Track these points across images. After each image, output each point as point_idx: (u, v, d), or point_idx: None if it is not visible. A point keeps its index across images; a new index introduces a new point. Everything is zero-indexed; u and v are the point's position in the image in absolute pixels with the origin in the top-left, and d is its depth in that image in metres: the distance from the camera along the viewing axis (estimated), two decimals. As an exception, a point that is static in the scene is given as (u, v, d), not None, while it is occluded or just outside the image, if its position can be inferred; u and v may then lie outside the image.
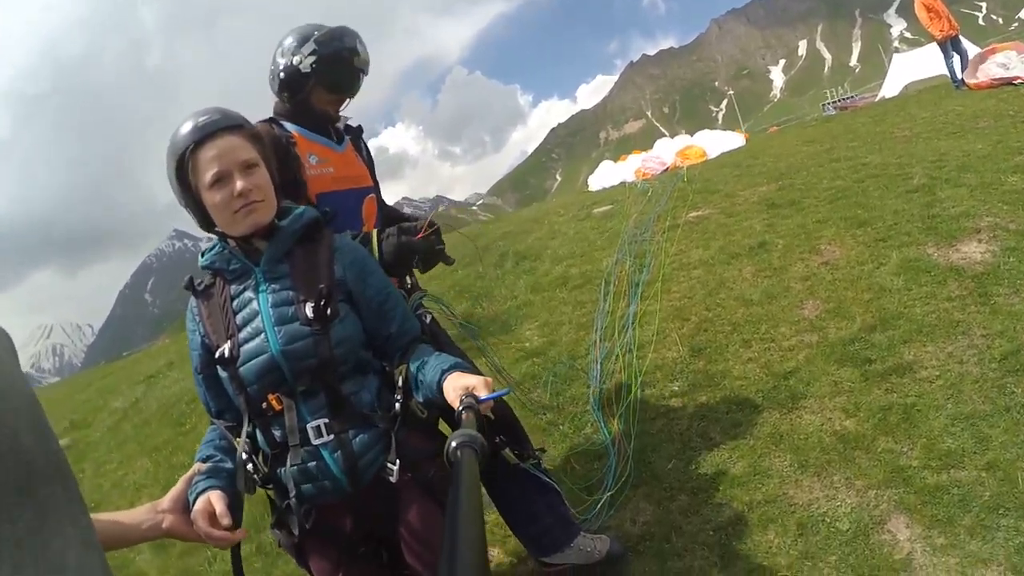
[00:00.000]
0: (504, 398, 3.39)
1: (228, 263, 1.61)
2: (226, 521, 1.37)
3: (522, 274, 6.43)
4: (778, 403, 2.99)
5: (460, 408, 1.26)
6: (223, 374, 1.56)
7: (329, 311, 1.52)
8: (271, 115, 2.32)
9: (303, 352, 1.51)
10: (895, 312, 3.36)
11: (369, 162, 2.50)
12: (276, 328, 1.51)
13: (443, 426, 1.83)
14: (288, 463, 1.54)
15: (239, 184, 1.51)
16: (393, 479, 1.55)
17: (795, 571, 2.21)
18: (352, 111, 2.43)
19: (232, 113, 1.61)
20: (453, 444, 0.99)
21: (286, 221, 1.63)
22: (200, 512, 1.38)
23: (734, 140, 15.68)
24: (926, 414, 2.64)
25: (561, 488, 2.47)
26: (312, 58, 2.21)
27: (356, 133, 2.49)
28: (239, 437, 1.57)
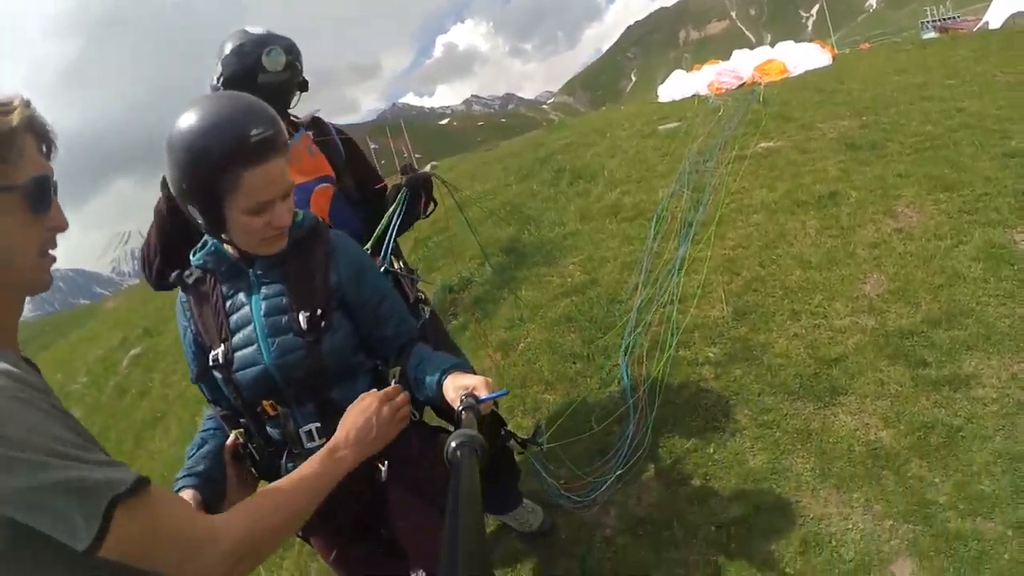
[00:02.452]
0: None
1: (220, 264, 1.46)
2: None
3: (575, 197, 6.06)
4: (815, 394, 2.68)
5: (460, 408, 1.19)
6: (218, 375, 1.47)
7: (323, 323, 1.42)
8: None
9: (295, 363, 1.42)
10: (965, 307, 2.90)
11: (338, 148, 2.30)
12: (269, 339, 1.42)
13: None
14: (284, 460, 1.50)
15: (281, 216, 1.34)
16: (383, 478, 1.49)
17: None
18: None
19: (275, 115, 1.31)
20: (452, 444, 0.95)
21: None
22: None
23: (819, 57, 14.17)
24: (970, 443, 2.29)
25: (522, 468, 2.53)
26: (220, 79, 2.07)
27: (315, 124, 2.28)
28: (234, 428, 1.52)
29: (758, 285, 3.61)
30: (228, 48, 2.07)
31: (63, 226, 0.95)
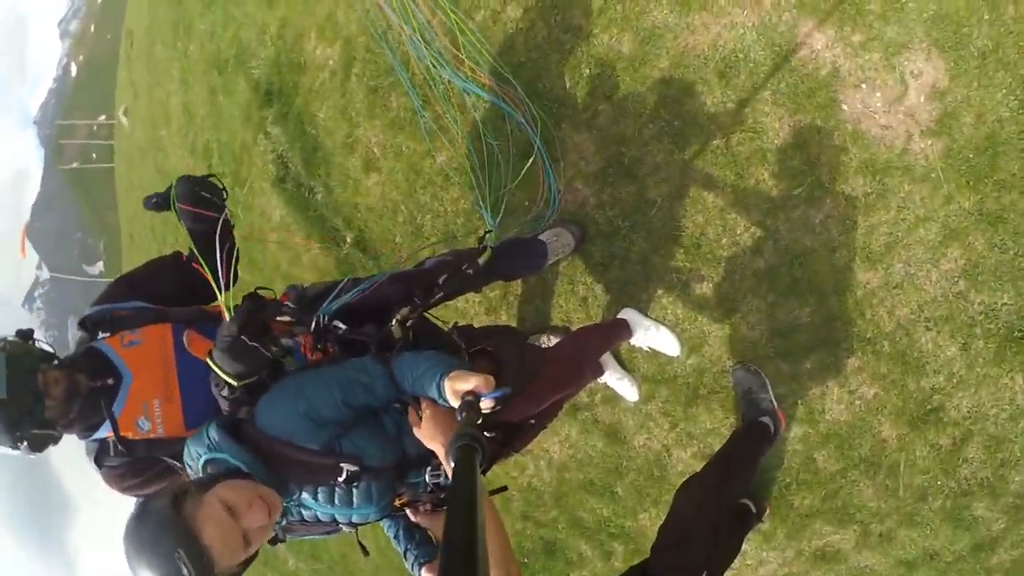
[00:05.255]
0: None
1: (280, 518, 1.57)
2: None
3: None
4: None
5: (459, 408, 1.26)
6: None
7: (347, 470, 1.50)
8: None
9: (379, 491, 1.59)
10: None
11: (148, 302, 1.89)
12: (353, 512, 1.59)
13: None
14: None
15: (255, 518, 1.33)
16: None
17: (746, 118, 2.15)
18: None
19: (170, 550, 1.22)
20: (452, 446, 0.98)
21: None
22: None
23: None
24: None
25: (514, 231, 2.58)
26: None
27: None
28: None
29: None
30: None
31: None
